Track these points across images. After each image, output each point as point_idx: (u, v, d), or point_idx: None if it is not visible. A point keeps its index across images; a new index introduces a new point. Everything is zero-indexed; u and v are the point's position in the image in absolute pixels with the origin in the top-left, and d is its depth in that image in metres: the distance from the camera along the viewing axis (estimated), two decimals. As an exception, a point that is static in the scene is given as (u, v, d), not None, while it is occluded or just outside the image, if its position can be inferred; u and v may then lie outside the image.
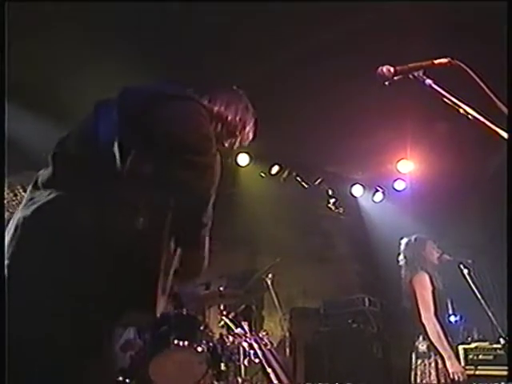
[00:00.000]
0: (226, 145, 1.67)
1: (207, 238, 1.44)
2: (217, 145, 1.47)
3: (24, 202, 1.36)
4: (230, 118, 1.60)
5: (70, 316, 1.18)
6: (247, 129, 1.68)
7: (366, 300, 5.37)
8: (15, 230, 1.27)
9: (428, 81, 1.44)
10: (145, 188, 1.31)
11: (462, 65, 1.36)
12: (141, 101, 1.42)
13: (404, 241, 3.80)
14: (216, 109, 1.56)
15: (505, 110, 1.25)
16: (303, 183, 5.80)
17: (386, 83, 1.47)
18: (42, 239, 1.25)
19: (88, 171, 1.36)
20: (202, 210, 1.37)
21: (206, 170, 1.37)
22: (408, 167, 5.61)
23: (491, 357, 3.40)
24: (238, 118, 1.62)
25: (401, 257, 3.75)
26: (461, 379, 3.23)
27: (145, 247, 1.28)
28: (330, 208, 6.16)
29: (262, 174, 5.61)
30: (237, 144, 1.70)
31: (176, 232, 1.34)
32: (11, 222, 1.32)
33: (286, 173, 5.63)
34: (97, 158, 1.37)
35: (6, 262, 1.21)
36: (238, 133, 1.65)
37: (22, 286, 1.19)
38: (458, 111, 1.36)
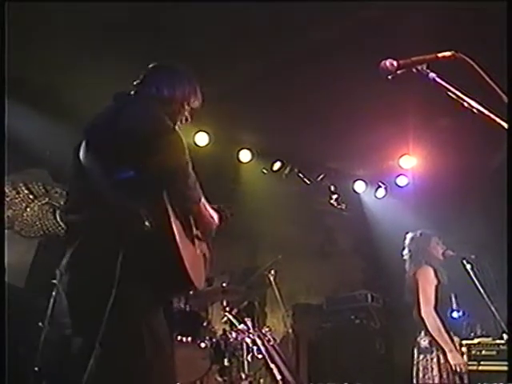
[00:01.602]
0: (183, 121, 1.92)
1: (202, 197, 1.71)
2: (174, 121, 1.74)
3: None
4: (174, 97, 1.83)
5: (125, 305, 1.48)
6: (194, 101, 1.91)
7: (369, 296, 5.37)
8: (60, 275, 1.59)
9: (432, 74, 1.42)
10: (137, 190, 1.50)
11: (466, 58, 1.34)
12: (106, 126, 1.63)
13: (409, 235, 3.80)
14: (162, 94, 1.80)
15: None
16: (305, 179, 5.78)
17: (389, 77, 1.46)
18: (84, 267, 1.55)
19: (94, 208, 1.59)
20: (183, 176, 1.61)
21: (170, 144, 1.59)
22: (410, 163, 5.57)
23: (494, 352, 3.39)
24: (180, 96, 1.85)
25: (405, 251, 3.75)
26: (463, 371, 3.25)
27: (160, 241, 1.50)
28: (333, 204, 6.12)
29: (264, 171, 5.59)
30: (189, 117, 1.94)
31: (172, 204, 1.56)
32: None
33: (287, 169, 5.60)
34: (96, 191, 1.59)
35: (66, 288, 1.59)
36: (186, 106, 1.89)
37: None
38: (463, 105, 1.35)
